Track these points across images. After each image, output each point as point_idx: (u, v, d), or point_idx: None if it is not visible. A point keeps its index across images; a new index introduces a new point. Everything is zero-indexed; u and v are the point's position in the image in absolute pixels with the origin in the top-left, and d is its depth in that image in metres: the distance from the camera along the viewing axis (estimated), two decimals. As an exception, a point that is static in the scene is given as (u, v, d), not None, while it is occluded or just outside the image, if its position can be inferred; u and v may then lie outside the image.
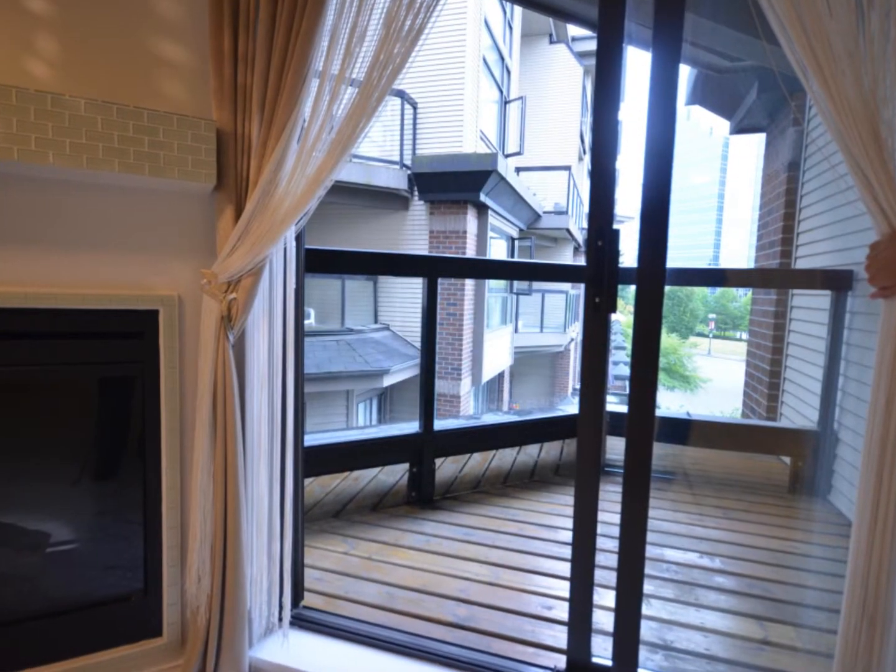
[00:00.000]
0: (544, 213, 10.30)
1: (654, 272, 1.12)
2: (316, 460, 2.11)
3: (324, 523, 2.10)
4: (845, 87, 0.87)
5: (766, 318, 3.47)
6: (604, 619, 1.51)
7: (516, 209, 8.74)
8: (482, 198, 6.92)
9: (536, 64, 11.69)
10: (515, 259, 9.24)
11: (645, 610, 1.59)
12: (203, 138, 1.17)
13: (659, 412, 2.86)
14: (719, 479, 2.74)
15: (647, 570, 1.77)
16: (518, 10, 9.44)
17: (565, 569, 1.76)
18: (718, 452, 2.90)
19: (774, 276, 3.23)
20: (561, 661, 1.37)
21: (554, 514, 2.25)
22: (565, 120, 11.93)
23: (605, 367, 1.20)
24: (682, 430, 2.70)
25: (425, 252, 7.11)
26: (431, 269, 2.22)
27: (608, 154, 1.14)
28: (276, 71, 1.16)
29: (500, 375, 9.81)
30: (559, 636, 1.47)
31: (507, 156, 8.75)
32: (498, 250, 8.71)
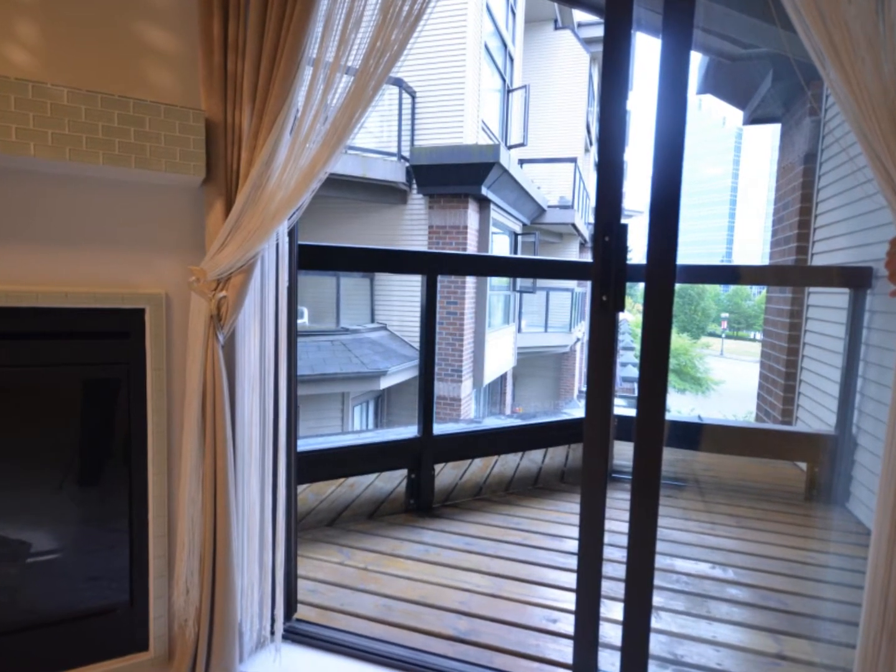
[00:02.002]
0: (549, 207, 10.18)
1: (663, 269, 1.09)
2: (310, 466, 2.08)
3: (318, 532, 2.07)
4: (864, 74, 0.86)
5: (782, 317, 3.43)
6: (611, 633, 1.50)
7: (519, 203, 8.66)
8: (484, 191, 6.80)
9: (541, 51, 11.38)
10: (518, 255, 9.18)
11: (654, 623, 1.57)
12: (191, 129, 1.14)
13: (669, 416, 2.83)
14: (732, 485, 2.71)
15: (657, 581, 1.74)
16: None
17: (571, 580, 1.74)
18: (731, 458, 2.89)
19: (790, 274, 3.19)
20: (566, 676, 1.34)
21: (559, 522, 2.22)
22: (571, 110, 11.62)
23: (612, 368, 1.19)
24: (693, 435, 2.69)
25: (424, 248, 6.99)
26: (431, 266, 2.21)
27: (616, 145, 1.12)
28: (268, 58, 1.14)
29: (503, 377, 9.76)
30: (564, 650, 1.44)
31: (510, 147, 8.66)
32: (500, 246, 8.67)
